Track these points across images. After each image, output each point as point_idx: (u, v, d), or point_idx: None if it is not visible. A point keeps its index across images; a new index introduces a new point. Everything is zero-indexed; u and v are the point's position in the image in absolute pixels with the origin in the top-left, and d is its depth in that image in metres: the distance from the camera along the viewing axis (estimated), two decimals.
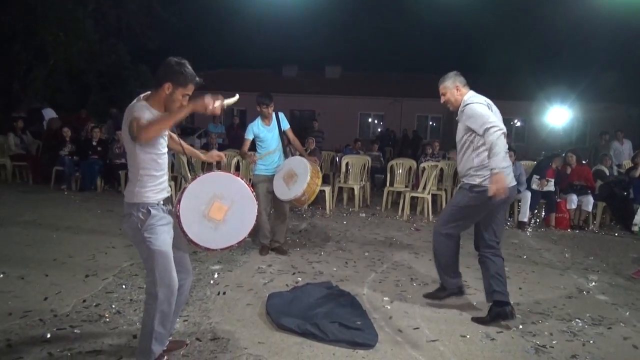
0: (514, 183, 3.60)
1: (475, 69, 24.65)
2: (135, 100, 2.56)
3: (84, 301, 3.68)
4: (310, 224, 6.87)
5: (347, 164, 8.49)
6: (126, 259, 4.79)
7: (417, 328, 3.46)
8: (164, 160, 2.63)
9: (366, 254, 5.40)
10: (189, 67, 2.50)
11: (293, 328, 3.27)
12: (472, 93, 3.60)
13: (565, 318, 3.77)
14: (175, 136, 2.92)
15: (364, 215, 7.68)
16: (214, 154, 3.05)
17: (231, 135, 11.92)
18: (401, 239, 6.17)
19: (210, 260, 4.75)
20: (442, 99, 3.71)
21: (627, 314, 3.93)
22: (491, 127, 3.29)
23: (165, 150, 2.63)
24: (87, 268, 4.45)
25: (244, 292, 4.01)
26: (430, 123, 23.41)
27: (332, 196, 8.15)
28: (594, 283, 4.70)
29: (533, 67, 21.96)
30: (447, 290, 3.98)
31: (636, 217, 5.44)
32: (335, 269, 4.79)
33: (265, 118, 5.05)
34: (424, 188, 7.62)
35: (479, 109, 3.40)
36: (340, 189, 8.58)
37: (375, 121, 24.93)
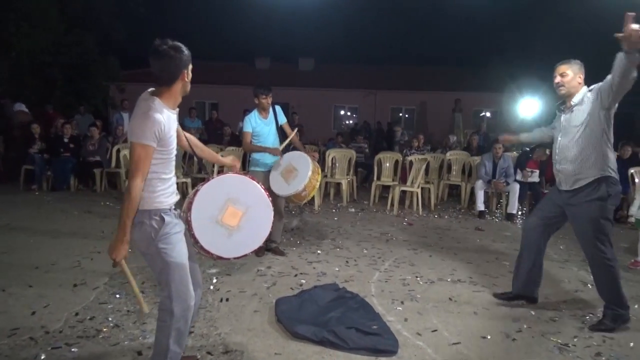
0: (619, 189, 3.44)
1: (446, 60, 24.90)
2: (145, 97, 2.29)
3: (77, 314, 3.39)
4: (301, 220, 6.68)
5: (332, 159, 8.31)
6: None
7: (435, 330, 3.33)
8: (173, 162, 2.39)
9: (365, 251, 5.25)
10: (176, 42, 2.26)
11: (309, 336, 3.09)
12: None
13: (577, 314, 3.72)
14: (192, 138, 2.66)
15: (353, 210, 7.54)
16: (230, 159, 2.80)
17: (210, 130, 11.54)
18: (396, 235, 6.05)
19: (205, 264, 4.50)
20: (559, 79, 3.42)
21: (636, 306, 3.92)
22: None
23: (175, 151, 2.39)
24: (74, 276, 4.14)
25: (248, 298, 3.79)
26: (406, 115, 23.44)
27: (320, 191, 7.96)
28: None
29: (504, 57, 22.20)
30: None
31: (632, 208, 5.47)
32: (337, 268, 4.62)
33: (263, 110, 4.82)
34: (413, 182, 7.53)
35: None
36: (326, 183, 8.41)
37: (349, 113, 24.81)
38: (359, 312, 3.50)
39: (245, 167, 8.67)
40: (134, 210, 2.19)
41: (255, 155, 4.86)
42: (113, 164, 8.53)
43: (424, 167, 7.51)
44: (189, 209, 2.47)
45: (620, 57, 2.92)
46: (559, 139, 3.54)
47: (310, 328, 3.15)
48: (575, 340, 3.24)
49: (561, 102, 3.54)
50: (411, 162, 7.82)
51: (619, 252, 5.59)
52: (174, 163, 2.39)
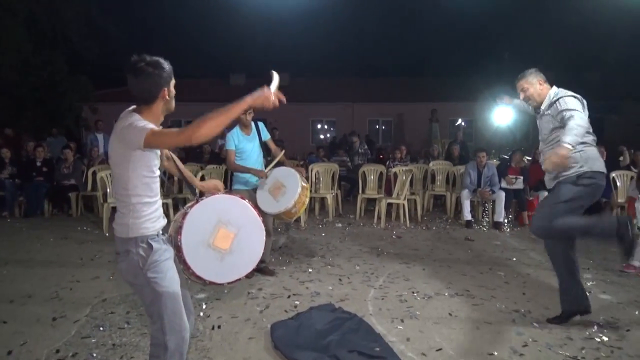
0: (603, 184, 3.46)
1: (421, 71, 25.22)
2: (127, 114, 2.13)
3: (57, 351, 3.14)
4: (289, 238, 6.51)
5: (316, 173, 8.18)
6: (95, 293, 4.24)
7: (440, 349, 3.20)
8: (158, 184, 2.22)
9: (357, 267, 5.11)
10: (156, 58, 2.10)
11: None
12: (558, 88, 3.47)
13: (581, 323, 3.63)
14: (173, 156, 2.52)
15: (340, 225, 7.40)
16: (212, 184, 2.64)
17: (187, 148, 11.25)
18: (387, 249, 5.93)
19: (193, 288, 4.28)
20: (523, 95, 3.57)
21: (637, 312, 3.88)
22: (577, 117, 3.17)
23: (159, 173, 2.23)
24: (52, 309, 3.87)
25: (242, 324, 3.60)
26: (383, 127, 23.56)
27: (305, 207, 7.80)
28: (591, 282, 4.65)
29: (478, 67, 22.61)
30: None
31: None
32: (330, 287, 4.46)
33: (245, 127, 4.67)
34: (399, 194, 7.45)
35: (574, 103, 3.29)
36: (311, 198, 8.25)
37: (326, 127, 24.82)
38: (359, 333, 3.36)
39: (228, 185, 8.48)
40: (220, 111, 1.98)
41: (240, 174, 4.70)
42: (89, 187, 8.22)
43: (409, 178, 7.44)
44: (179, 232, 2.30)
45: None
46: (540, 143, 3.65)
47: (310, 354, 2.99)
48: (583, 352, 3.15)
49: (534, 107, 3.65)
50: (395, 174, 7.76)
51: (607, 256, 5.61)
52: (158, 184, 2.22)
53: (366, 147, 11.75)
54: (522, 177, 7.65)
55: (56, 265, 5.12)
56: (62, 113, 14.25)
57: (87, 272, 4.85)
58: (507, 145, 17.68)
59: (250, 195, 4.57)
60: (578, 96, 3.37)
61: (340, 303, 3.98)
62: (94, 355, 3.08)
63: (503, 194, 7.29)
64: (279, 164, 4.82)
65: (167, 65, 2.11)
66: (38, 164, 8.25)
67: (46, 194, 8.02)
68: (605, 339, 3.35)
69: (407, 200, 7.56)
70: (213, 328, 3.50)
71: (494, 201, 7.45)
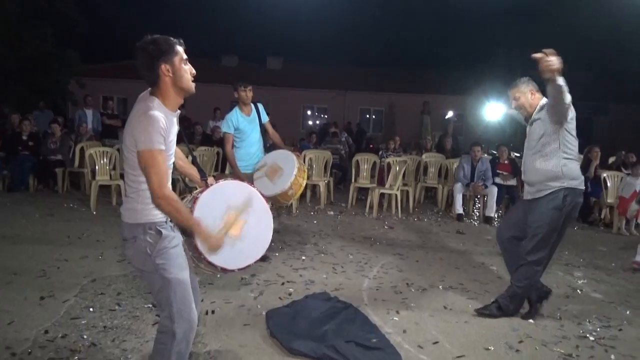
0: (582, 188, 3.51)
1: (414, 63, 25.16)
2: (145, 96, 2.03)
3: (46, 332, 3.05)
4: (280, 224, 6.44)
5: (309, 160, 8.10)
6: (85, 273, 4.14)
7: (437, 342, 3.18)
8: (170, 170, 2.13)
9: (350, 256, 5.08)
10: (157, 35, 2.03)
11: (308, 353, 2.88)
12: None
13: (574, 321, 3.67)
14: (178, 151, 2.41)
15: (332, 213, 7.35)
16: (199, 181, 2.53)
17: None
18: (379, 239, 5.91)
19: None
20: (514, 104, 3.56)
21: (628, 312, 3.91)
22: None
23: (173, 158, 2.14)
24: (39, 288, 3.76)
25: (236, 310, 3.54)
26: (373, 116, 23.51)
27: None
28: (582, 280, 4.69)
29: (470, 61, 22.63)
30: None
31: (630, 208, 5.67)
32: (324, 275, 4.42)
33: (245, 105, 4.58)
34: (392, 184, 7.42)
35: None
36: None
37: (317, 113, 24.73)
38: (355, 323, 3.32)
39: (219, 169, 8.37)
40: (183, 210, 2.05)
41: (238, 157, 4.62)
42: (76, 163, 8.03)
43: (403, 169, 7.41)
44: None
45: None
46: (524, 151, 3.65)
47: (307, 343, 2.94)
48: (578, 350, 3.17)
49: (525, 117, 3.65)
50: (389, 164, 7.72)
51: (598, 255, 5.67)
52: (170, 170, 2.13)
53: (346, 135, 11.70)
54: (513, 175, 7.68)
55: (43, 243, 4.99)
56: (48, 87, 13.88)
57: (75, 251, 4.73)
58: (497, 141, 17.78)
59: (248, 178, 4.49)
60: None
61: (335, 292, 3.95)
62: (85, 337, 3.00)
63: (495, 189, 7.31)
64: (276, 147, 4.75)
65: (165, 41, 2.01)
66: (24, 137, 8.01)
67: (32, 168, 7.81)
68: (599, 337, 3.38)
69: (400, 191, 7.54)
70: (207, 313, 3.44)
71: (485, 196, 7.46)
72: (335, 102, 22.69)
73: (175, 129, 2.08)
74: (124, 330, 3.13)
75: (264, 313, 3.45)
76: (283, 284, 4.14)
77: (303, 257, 4.94)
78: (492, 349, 3.13)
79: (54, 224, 5.83)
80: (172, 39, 2.04)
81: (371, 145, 15.54)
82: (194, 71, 2.10)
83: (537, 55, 2.90)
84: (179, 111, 2.11)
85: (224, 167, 8.13)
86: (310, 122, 23.59)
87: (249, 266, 2.41)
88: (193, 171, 2.47)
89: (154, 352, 2.21)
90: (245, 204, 2.38)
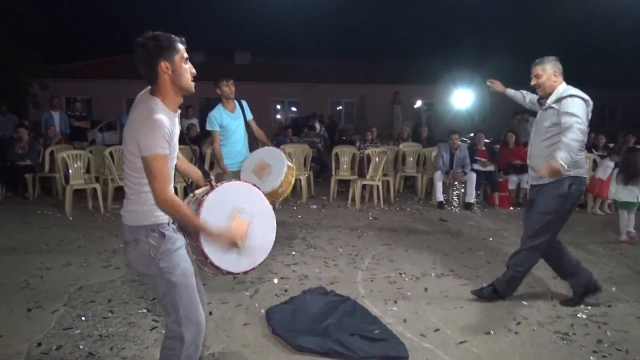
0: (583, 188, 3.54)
1: (383, 54, 25.32)
2: (145, 95, 1.96)
3: (39, 344, 2.93)
4: None
5: (289, 154, 8.02)
6: (70, 281, 3.99)
7: (438, 329, 3.21)
8: (173, 172, 2.06)
9: (340, 249, 5.07)
10: (158, 32, 1.97)
11: (314, 348, 2.86)
12: (568, 85, 3.42)
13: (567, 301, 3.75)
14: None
15: (315, 207, 7.33)
16: (201, 179, 2.47)
17: None
18: (365, 230, 5.92)
19: None
20: (535, 81, 3.49)
21: (614, 289, 4.04)
22: (577, 129, 3.17)
23: (176, 160, 2.08)
24: (25, 299, 3.61)
25: (234, 309, 3.48)
26: (342, 108, 23.53)
27: None
28: None
29: (439, 51, 22.91)
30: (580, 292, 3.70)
31: (610, 190, 5.88)
32: (317, 270, 4.40)
33: (228, 101, 4.49)
34: (373, 176, 7.45)
35: (581, 109, 3.25)
36: None
37: (288, 107, 24.63)
38: (356, 316, 3.33)
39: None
40: (188, 213, 2.01)
41: (225, 154, 4.53)
42: (47, 168, 7.74)
43: (384, 160, 7.44)
44: None
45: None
46: (532, 134, 3.65)
47: (312, 339, 2.92)
48: (574, 328, 3.26)
49: (540, 96, 3.60)
50: (368, 156, 7.74)
51: (577, 235, 5.83)
52: (173, 171, 2.06)
53: (324, 128, 11.77)
54: (490, 161, 7.82)
55: (21, 252, 4.79)
56: (10, 90, 13.31)
57: (56, 259, 4.56)
58: (466, 128, 18.08)
59: (236, 176, 4.41)
60: (586, 98, 3.33)
61: (330, 286, 3.93)
62: (81, 347, 2.89)
63: (474, 175, 7.43)
64: (261, 144, 4.68)
65: (166, 39, 1.95)
66: None
67: None
68: (591, 315, 3.48)
69: (381, 181, 7.57)
70: None
71: (465, 182, 7.57)
72: (306, 95, 22.60)
73: (177, 129, 2.01)
74: (121, 337, 3.03)
75: (262, 311, 3.41)
76: (277, 280, 4.10)
77: (293, 253, 4.90)
78: (492, 332, 3.19)
79: (30, 232, 5.60)
80: (173, 36, 1.98)
81: (344, 137, 15.55)
82: (194, 71, 2.03)
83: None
84: (179, 111, 2.05)
85: (204, 165, 7.98)
86: (278, 116, 23.45)
87: (254, 269, 2.36)
88: (191, 170, 2.40)
89: (162, 358, 2.15)
90: (250, 205, 2.33)
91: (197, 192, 2.31)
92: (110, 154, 7.17)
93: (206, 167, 8.08)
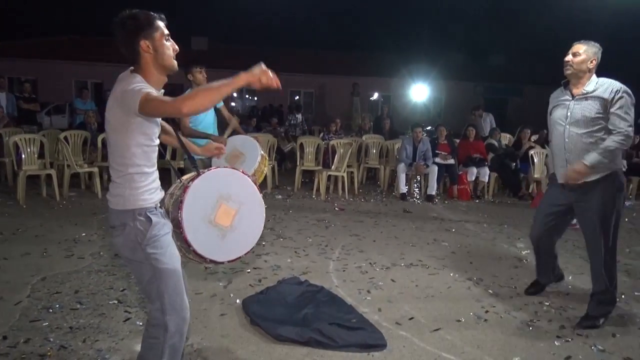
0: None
1: (342, 45, 25.40)
2: (126, 75, 1.91)
3: (5, 338, 2.79)
4: None
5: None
6: (32, 272, 3.81)
7: (412, 318, 3.31)
8: (156, 154, 2.03)
9: (309, 239, 5.10)
10: (136, 10, 1.92)
11: (294, 338, 2.88)
12: (611, 80, 3.14)
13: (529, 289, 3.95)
14: (167, 126, 2.30)
15: (280, 197, 7.31)
16: (212, 147, 2.49)
17: (103, 112, 10.39)
18: (333, 221, 5.97)
19: None
20: (569, 58, 3.13)
21: (570, 278, 4.28)
22: (625, 134, 3.00)
23: (158, 142, 2.03)
24: None
25: (208, 300, 3.44)
26: (299, 98, 23.47)
27: None
28: (525, 251, 5.04)
29: (396, 43, 23.24)
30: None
31: None
32: (289, 260, 4.41)
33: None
34: (338, 166, 7.51)
35: (632, 111, 3.06)
36: None
37: (246, 96, 24.33)
38: (332, 306, 3.37)
39: (169, 154, 7.96)
40: (212, 85, 1.81)
41: (195, 142, 4.42)
42: None
43: (349, 151, 7.51)
44: (180, 207, 2.10)
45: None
46: (567, 127, 3.18)
47: (292, 329, 2.94)
48: (538, 314, 3.44)
49: (566, 81, 3.27)
50: (333, 147, 7.79)
51: (524, 229, 6.09)
52: (156, 154, 2.03)
53: (302, 118, 11.86)
54: (451, 155, 8.06)
55: None
56: None
57: (13, 249, 4.33)
58: (423, 121, 18.51)
59: (205, 164, 4.32)
60: (632, 96, 3.09)
61: (304, 276, 3.96)
62: (51, 339, 2.78)
63: (436, 168, 7.63)
64: (234, 132, 4.60)
65: (144, 16, 1.90)
66: None
67: None
68: (553, 303, 3.67)
69: (345, 172, 7.64)
70: None
71: (427, 175, 7.76)
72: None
73: None
74: (92, 329, 2.93)
75: (238, 301, 3.39)
76: (249, 271, 4.08)
77: (263, 243, 4.88)
78: (463, 320, 3.31)
79: None
80: (152, 13, 1.93)
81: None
82: (176, 47, 1.99)
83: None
84: (162, 90, 2.01)
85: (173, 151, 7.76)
86: (233, 104, 23.12)
87: (239, 258, 2.34)
88: (193, 145, 2.44)
89: (144, 348, 2.11)
90: (237, 192, 2.30)
91: (183, 177, 2.26)
92: (65, 138, 6.86)
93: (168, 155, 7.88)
